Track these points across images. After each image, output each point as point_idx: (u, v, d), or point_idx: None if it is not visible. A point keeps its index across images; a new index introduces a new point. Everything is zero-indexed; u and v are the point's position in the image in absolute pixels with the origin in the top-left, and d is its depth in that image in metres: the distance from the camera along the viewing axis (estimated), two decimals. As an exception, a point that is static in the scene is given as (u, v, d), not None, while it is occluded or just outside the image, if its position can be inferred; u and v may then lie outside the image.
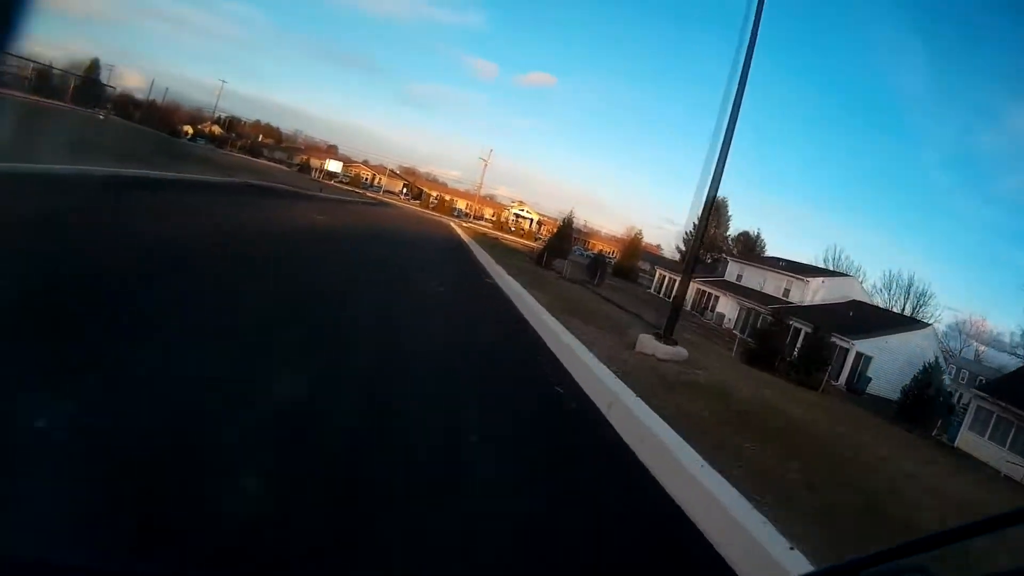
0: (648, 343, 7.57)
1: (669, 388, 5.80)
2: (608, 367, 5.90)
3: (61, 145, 11.61)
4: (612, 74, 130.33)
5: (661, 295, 48.13)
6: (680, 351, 7.72)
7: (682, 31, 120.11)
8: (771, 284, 44.13)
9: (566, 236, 36.36)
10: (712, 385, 6.58)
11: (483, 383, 5.28)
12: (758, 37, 8.10)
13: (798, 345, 30.43)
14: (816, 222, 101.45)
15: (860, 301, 42.07)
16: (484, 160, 74.96)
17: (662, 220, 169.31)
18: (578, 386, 5.57)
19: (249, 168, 34.66)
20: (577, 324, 8.56)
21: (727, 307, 42.72)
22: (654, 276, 52.85)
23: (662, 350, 7.45)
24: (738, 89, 8.04)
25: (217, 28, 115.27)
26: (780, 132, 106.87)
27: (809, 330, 31.87)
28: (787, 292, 43.66)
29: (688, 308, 43.97)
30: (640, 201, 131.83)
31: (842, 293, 42.01)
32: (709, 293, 45.01)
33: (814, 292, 42.84)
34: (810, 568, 2.58)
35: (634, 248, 54.47)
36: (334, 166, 40.37)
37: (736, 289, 43.54)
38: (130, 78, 60.84)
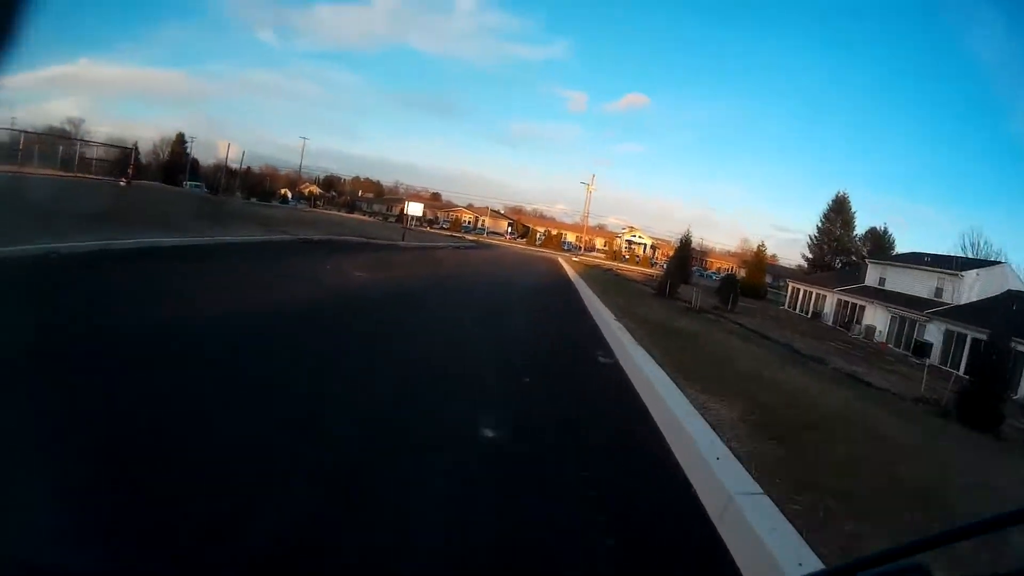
0: None
1: None
2: None
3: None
4: (701, 85, 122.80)
5: (798, 311, 41.56)
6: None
7: (763, 34, 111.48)
8: (919, 284, 35.87)
9: (686, 259, 31.93)
10: None
11: None
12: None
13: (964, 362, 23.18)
14: (935, 209, 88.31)
15: (1017, 291, 32.69)
16: (587, 184, 70.62)
17: (771, 228, 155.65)
18: None
19: (331, 222, 33.08)
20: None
21: (875, 317, 35.14)
22: (784, 291, 45.94)
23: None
24: None
25: (318, 96, 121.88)
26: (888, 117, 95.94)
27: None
28: (939, 292, 35.39)
29: (831, 324, 37.32)
30: (748, 211, 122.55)
31: (997, 284, 32.62)
32: (852, 303, 37.61)
33: (970, 288, 34.31)
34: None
35: (759, 263, 48.02)
36: (414, 209, 38.34)
37: (881, 295, 36.00)
38: (226, 146, 63.93)
